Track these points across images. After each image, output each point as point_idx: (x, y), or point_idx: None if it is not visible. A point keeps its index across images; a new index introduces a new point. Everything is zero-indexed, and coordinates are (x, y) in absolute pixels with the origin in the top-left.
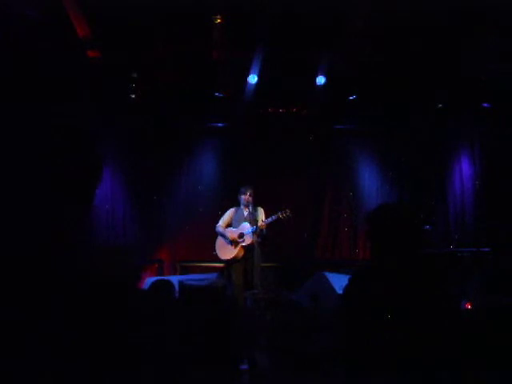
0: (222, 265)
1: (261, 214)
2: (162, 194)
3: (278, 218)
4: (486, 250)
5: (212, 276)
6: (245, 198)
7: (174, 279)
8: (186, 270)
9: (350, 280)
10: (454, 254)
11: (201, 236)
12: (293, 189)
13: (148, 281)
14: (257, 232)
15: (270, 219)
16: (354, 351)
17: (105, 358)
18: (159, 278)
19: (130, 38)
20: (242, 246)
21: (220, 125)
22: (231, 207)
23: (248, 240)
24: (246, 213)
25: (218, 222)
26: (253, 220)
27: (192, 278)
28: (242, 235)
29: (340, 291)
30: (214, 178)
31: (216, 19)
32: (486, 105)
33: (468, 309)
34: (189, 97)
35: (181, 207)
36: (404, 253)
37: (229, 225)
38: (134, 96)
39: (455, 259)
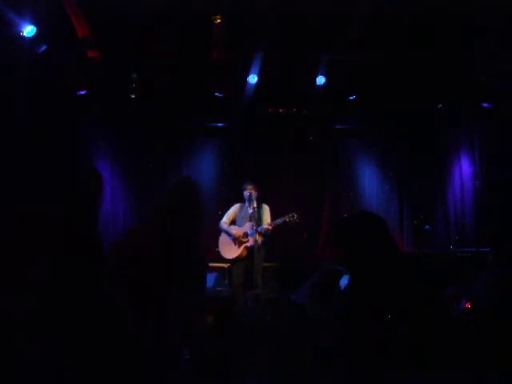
0: (221, 265)
1: (266, 212)
2: None
3: (285, 221)
4: (486, 249)
5: (210, 276)
6: (246, 193)
7: None
8: None
9: (350, 279)
10: (454, 254)
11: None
12: (293, 189)
13: None
14: (261, 233)
15: (276, 222)
16: (355, 351)
17: None
18: None
19: (129, 38)
20: (246, 246)
21: (220, 125)
22: (234, 204)
23: (252, 241)
24: (250, 210)
25: (221, 220)
26: (258, 218)
27: None
28: (246, 234)
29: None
30: (214, 177)
31: (216, 19)
32: (486, 105)
33: (468, 309)
34: (189, 97)
35: None
36: (379, 257)
37: (233, 221)
38: (134, 96)
39: (455, 259)
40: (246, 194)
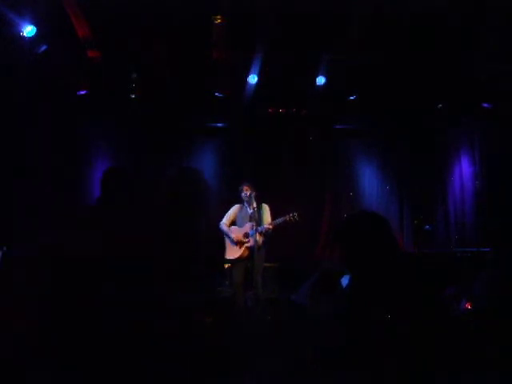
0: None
1: (266, 212)
2: None
3: (285, 221)
4: (486, 249)
5: None
6: (244, 193)
7: None
8: None
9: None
10: (454, 254)
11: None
12: (293, 189)
13: None
14: (262, 232)
15: (277, 221)
16: (355, 351)
17: None
18: None
19: (129, 38)
20: (247, 247)
21: (220, 125)
22: (234, 204)
23: (252, 241)
24: (250, 211)
25: (220, 221)
26: (258, 218)
27: None
28: (247, 235)
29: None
30: (214, 177)
31: (216, 19)
32: (486, 105)
33: (468, 309)
34: (189, 97)
35: None
36: (381, 257)
37: (233, 222)
38: (133, 96)
39: (455, 259)
40: (245, 194)
